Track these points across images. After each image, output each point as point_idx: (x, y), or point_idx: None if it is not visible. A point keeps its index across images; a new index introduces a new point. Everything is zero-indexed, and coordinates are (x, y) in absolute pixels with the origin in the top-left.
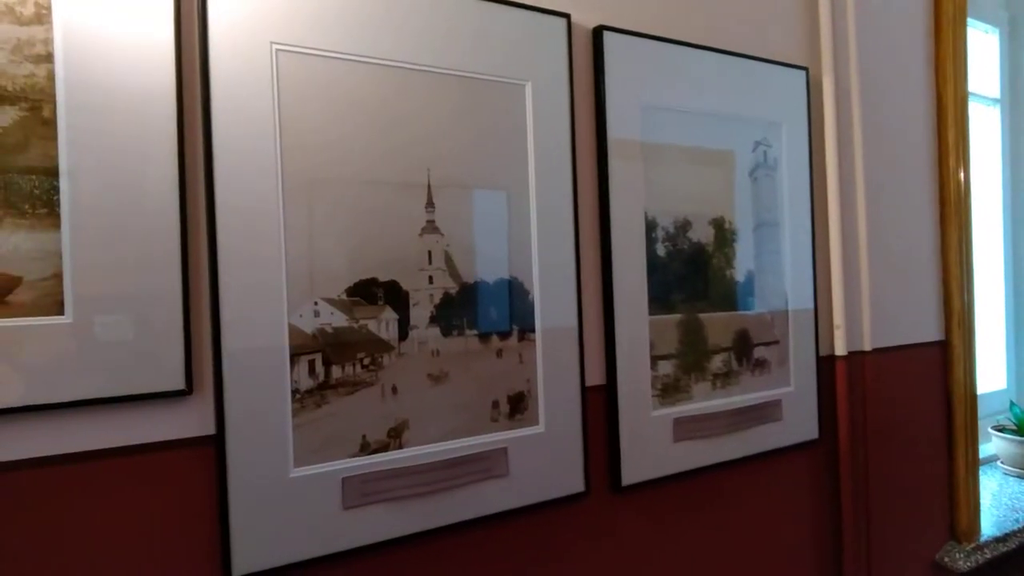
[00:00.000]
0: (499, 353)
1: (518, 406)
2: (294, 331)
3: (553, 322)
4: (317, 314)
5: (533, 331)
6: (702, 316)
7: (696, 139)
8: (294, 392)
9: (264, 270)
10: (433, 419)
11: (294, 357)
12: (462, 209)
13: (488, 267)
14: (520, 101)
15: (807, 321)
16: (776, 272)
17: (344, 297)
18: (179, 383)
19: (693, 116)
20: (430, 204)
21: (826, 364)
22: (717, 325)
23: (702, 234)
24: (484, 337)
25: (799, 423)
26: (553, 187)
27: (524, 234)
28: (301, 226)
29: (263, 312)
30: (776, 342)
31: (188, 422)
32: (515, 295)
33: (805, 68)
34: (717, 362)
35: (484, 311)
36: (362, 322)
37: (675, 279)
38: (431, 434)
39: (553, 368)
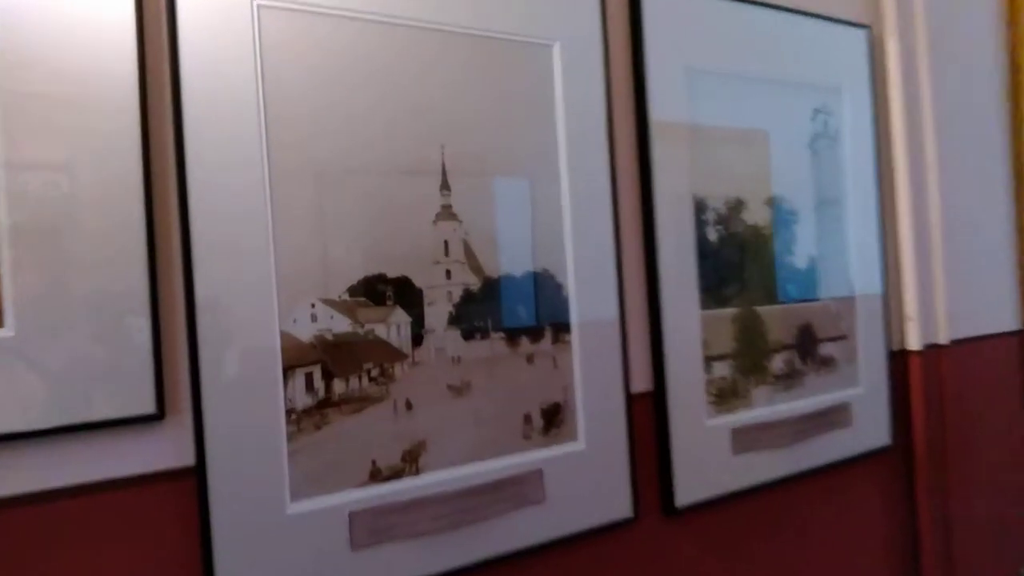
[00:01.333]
0: (530, 358)
1: (553, 419)
2: (287, 339)
3: (591, 320)
4: (314, 318)
5: (568, 331)
6: (760, 309)
7: (748, 107)
8: (289, 412)
9: (249, 268)
10: (455, 438)
11: (288, 370)
12: (482, 191)
13: (514, 258)
14: (547, 64)
15: (876, 312)
16: (840, 257)
17: (346, 298)
18: (149, 406)
19: (744, 81)
20: (445, 186)
21: (897, 360)
22: (777, 319)
23: (758, 215)
24: (512, 339)
25: (870, 428)
26: (587, 163)
27: (555, 218)
28: (292, 214)
29: (249, 318)
30: (843, 337)
31: (161, 452)
32: (546, 290)
33: (867, 27)
34: (778, 361)
35: (511, 309)
36: (368, 326)
37: (728, 267)
38: (453, 456)
39: (593, 373)
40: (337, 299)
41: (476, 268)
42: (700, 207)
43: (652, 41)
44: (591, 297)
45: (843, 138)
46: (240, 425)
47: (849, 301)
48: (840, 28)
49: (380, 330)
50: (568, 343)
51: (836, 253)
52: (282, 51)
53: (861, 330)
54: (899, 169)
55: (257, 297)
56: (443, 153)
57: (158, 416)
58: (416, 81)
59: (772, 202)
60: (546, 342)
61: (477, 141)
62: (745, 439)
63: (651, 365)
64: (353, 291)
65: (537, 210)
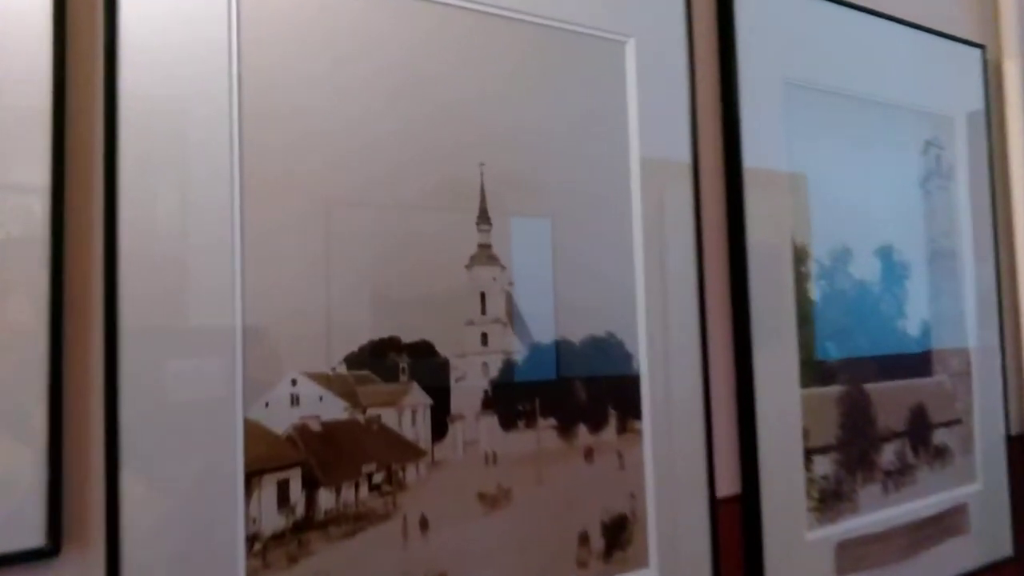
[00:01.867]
0: (589, 454)
1: (618, 538)
2: (254, 432)
3: (668, 401)
4: (295, 400)
5: (639, 416)
6: (868, 387)
7: (854, 132)
8: (251, 539)
9: (199, 324)
10: (486, 571)
11: (253, 477)
12: (533, 228)
13: (573, 318)
14: (618, 64)
15: (994, 389)
16: (955, 321)
17: (343, 371)
18: (37, 537)
19: (849, 101)
20: (484, 219)
21: (1016, 447)
22: (887, 399)
23: (866, 268)
24: (566, 428)
25: (989, 535)
26: (665, 195)
27: (623, 267)
28: (269, 250)
29: (196, 400)
30: (958, 421)
31: None
32: (612, 361)
33: (982, 46)
34: (889, 453)
35: (566, 387)
36: (373, 411)
37: (833, 333)
38: None
39: (670, 473)
40: (330, 372)
41: (522, 331)
42: (800, 256)
43: (745, 45)
44: (668, 371)
45: (957, 176)
46: (175, 561)
47: (965, 377)
48: (952, 45)
49: (389, 416)
50: (638, 433)
51: (951, 316)
52: (266, 26)
53: (977, 412)
54: (1020, 214)
55: (210, 369)
56: (482, 174)
57: (51, 551)
58: (449, 76)
59: (882, 252)
60: (610, 432)
61: (526, 160)
62: (852, 556)
63: (739, 460)
64: (353, 362)
65: (601, 255)
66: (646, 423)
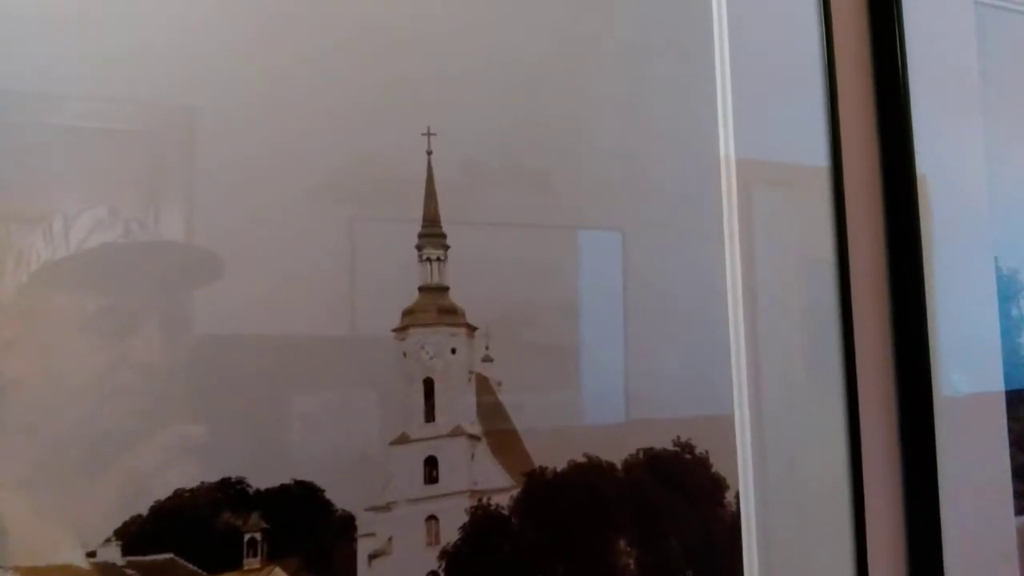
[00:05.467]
0: None
1: None
2: None
3: (790, 566)
4: None
5: None
6: None
7: None
8: None
9: None
10: None
11: None
12: (531, 255)
13: (601, 407)
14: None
15: None
16: None
17: (113, 557)
18: None
19: None
20: (433, 233)
21: None
22: None
23: None
24: None
25: None
26: (781, 202)
27: (716, 323)
28: None
29: None
30: None
31: None
32: (686, 499)
33: None
34: None
35: (599, 557)
36: None
37: None
38: None
39: None
40: (82, 564)
41: (509, 447)
42: (1007, 286)
43: None
44: (790, 505)
45: None
46: None
47: None
48: None
49: None
50: None
51: None
52: None
53: None
54: None
55: None
56: (429, 148)
57: None
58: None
59: None
60: None
61: (527, 133)
62: None
63: None
64: (137, 538)
65: (679, 303)
66: None
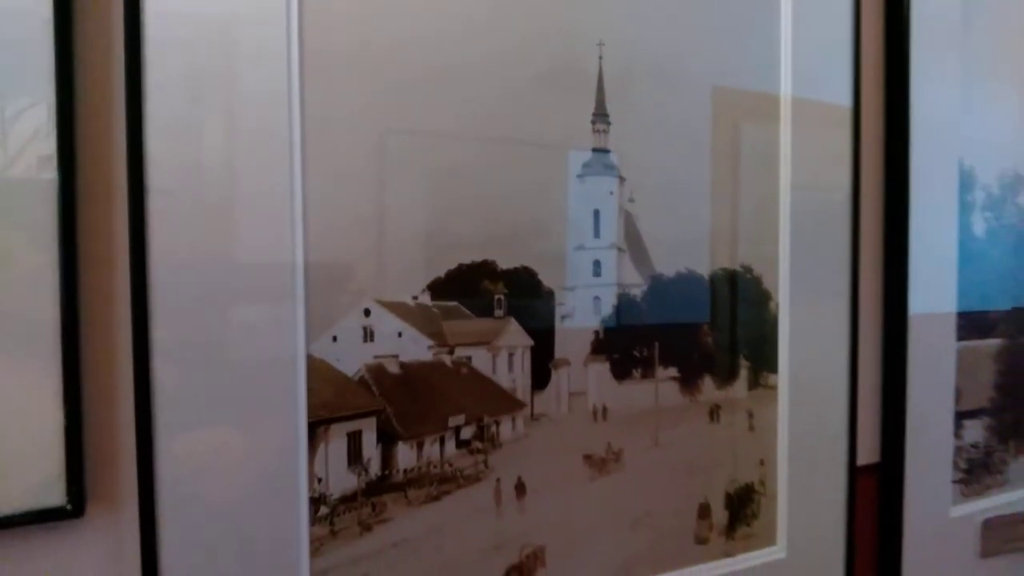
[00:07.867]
0: (714, 412)
1: (743, 512)
2: (320, 373)
3: (810, 352)
4: (369, 335)
5: (774, 370)
6: None
7: None
8: (316, 501)
9: (250, 240)
10: (590, 545)
11: (319, 428)
12: (659, 130)
13: (702, 247)
14: None
15: None
16: None
17: (427, 300)
18: (57, 496)
19: None
20: (601, 112)
21: None
22: None
23: None
24: (689, 381)
25: None
26: (817, 90)
27: (768, 180)
28: (336, 155)
29: (247, 333)
30: None
31: (79, 571)
32: (748, 301)
33: None
34: None
35: (691, 330)
36: (461, 353)
37: (996, 277)
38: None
39: (806, 437)
40: (411, 302)
41: (642, 259)
42: (966, 182)
43: None
44: (813, 315)
45: None
46: (222, 527)
47: None
48: None
49: (481, 359)
50: (773, 389)
51: None
52: None
53: None
54: None
55: (264, 294)
56: (601, 56)
57: (74, 513)
58: None
59: None
60: (740, 387)
61: (653, 40)
62: (999, 536)
63: (880, 424)
64: (439, 290)
65: (742, 176)
66: (783, 377)
